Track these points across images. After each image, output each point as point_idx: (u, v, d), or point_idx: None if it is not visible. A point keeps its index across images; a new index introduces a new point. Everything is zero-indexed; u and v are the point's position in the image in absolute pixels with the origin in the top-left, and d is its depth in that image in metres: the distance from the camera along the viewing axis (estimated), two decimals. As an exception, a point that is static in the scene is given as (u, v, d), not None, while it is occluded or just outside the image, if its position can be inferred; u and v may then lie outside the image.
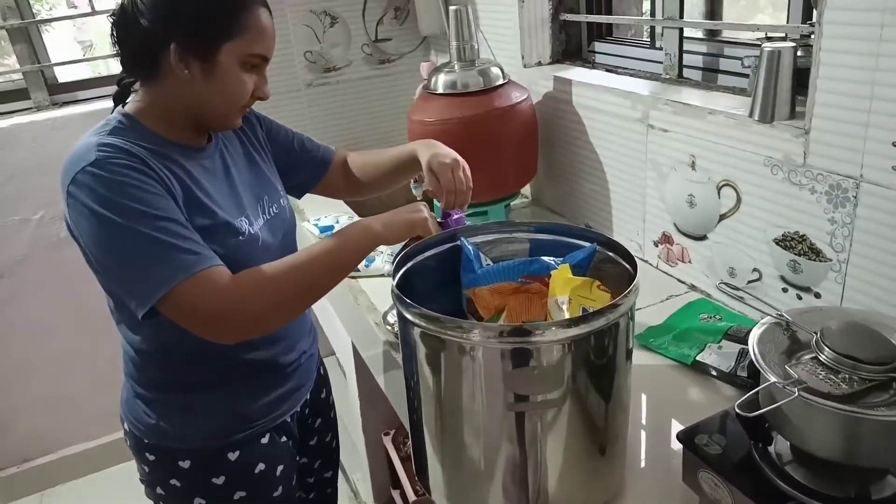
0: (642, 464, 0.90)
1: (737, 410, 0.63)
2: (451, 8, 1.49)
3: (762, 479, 0.68)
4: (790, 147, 1.02)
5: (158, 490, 1.07)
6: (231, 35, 0.91)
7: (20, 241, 1.98)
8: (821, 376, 0.63)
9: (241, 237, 0.97)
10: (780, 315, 0.74)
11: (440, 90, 1.49)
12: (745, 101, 1.16)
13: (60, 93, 2.04)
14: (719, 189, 1.18)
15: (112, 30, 0.93)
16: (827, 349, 0.65)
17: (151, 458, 1.04)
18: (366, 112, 2.22)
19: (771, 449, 0.71)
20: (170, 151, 0.94)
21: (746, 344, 1.04)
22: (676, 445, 0.82)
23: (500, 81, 1.50)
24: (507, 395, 0.73)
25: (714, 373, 1.02)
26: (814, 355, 0.67)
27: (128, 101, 0.98)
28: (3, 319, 2.04)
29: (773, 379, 0.63)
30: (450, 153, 1.13)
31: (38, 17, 2.00)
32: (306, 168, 1.23)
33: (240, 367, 1.03)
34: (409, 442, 1.65)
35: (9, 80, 2.02)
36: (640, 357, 1.08)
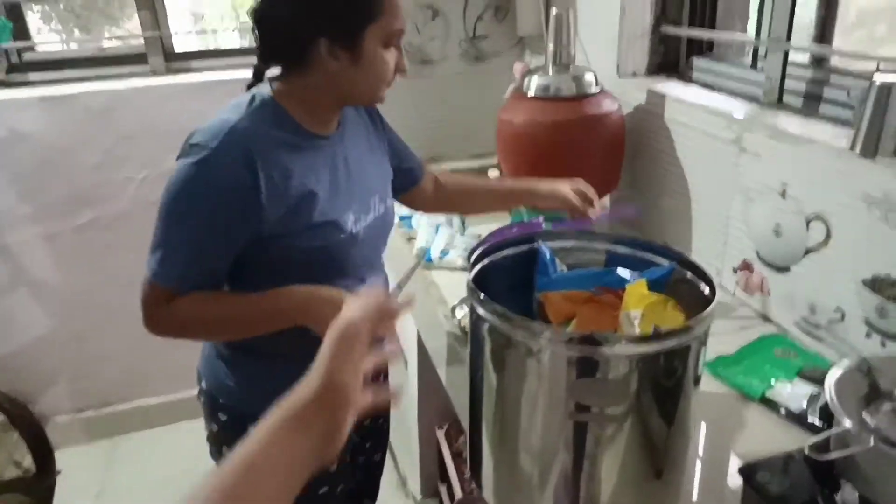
0: (696, 494, 0.89)
1: (806, 452, 0.62)
2: (553, 11, 1.49)
3: (824, 523, 0.66)
4: (892, 185, 0.98)
5: (224, 450, 1.12)
6: (373, 18, 0.94)
7: (124, 198, 2.13)
8: (900, 427, 0.61)
9: (342, 235, 1.02)
10: (862, 359, 0.72)
11: (532, 93, 1.50)
12: (846, 132, 1.11)
13: (176, 61, 2.15)
14: (808, 221, 1.14)
15: (254, 22, 0.98)
16: (910, 400, 0.63)
17: (223, 418, 1.10)
18: (456, 107, 2.24)
19: (837, 497, 0.69)
20: (297, 140, 1.00)
21: (821, 385, 1.01)
22: (735, 481, 0.81)
23: (593, 90, 1.49)
24: (569, 403, 0.74)
25: (783, 411, 0.99)
26: (894, 405, 0.65)
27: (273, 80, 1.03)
28: (104, 268, 2.19)
29: (848, 424, 0.62)
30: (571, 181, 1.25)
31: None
32: (397, 177, 1.24)
33: (316, 341, 1.08)
34: (462, 438, 1.68)
35: (129, 45, 2.15)
36: (706, 384, 1.06)
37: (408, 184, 1.27)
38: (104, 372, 2.34)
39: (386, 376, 1.36)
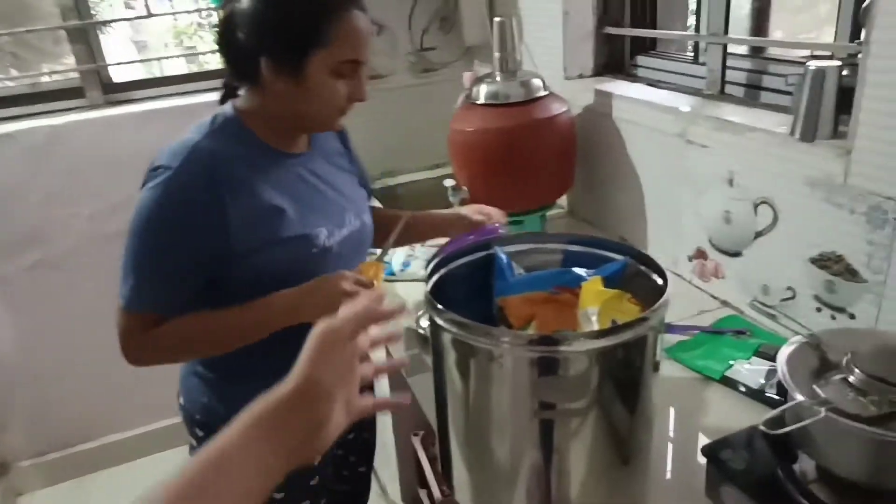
0: (666, 476, 0.91)
1: (762, 427, 0.64)
2: (496, 19, 1.51)
3: (786, 497, 0.68)
4: (831, 166, 1.02)
5: None
6: (318, 45, 0.93)
7: (72, 234, 2.06)
8: (849, 397, 0.64)
9: (314, 250, 1.03)
10: (811, 335, 0.74)
11: (482, 100, 1.52)
12: (786, 119, 1.15)
13: (115, 92, 2.11)
14: (756, 206, 1.18)
15: (216, 36, 1.00)
16: (857, 370, 0.65)
17: (200, 433, 1.10)
18: (408, 119, 2.25)
19: (796, 467, 0.71)
20: (264, 160, 1.00)
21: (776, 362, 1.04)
22: (701, 459, 0.83)
23: (541, 93, 1.51)
24: (534, 402, 0.74)
25: (742, 389, 1.01)
26: (843, 376, 0.67)
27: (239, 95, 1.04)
28: (59, 308, 2.13)
29: (799, 398, 0.64)
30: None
31: (97, 18, 2.08)
32: None
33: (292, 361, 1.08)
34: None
35: (66, 78, 2.11)
36: (668, 369, 1.08)
37: None
38: (65, 413, 2.26)
39: (371, 387, 1.36)
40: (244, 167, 0.97)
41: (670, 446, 0.96)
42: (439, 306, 0.78)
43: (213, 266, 0.98)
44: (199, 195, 0.93)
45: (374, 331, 0.67)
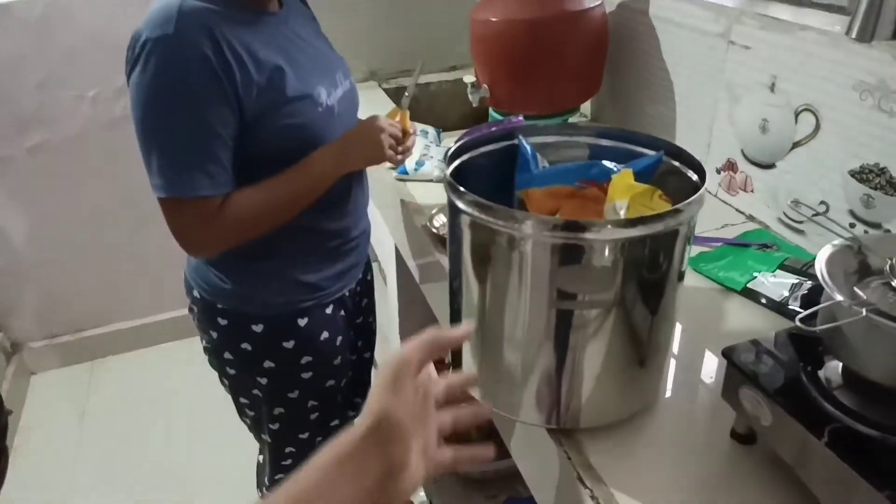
0: (680, 380, 0.89)
1: (798, 323, 0.61)
2: None
3: (808, 400, 0.66)
4: (888, 70, 0.94)
5: (226, 355, 1.11)
6: None
7: (78, 118, 2.00)
8: (892, 300, 0.60)
9: (319, 109, 0.99)
10: (853, 237, 0.70)
11: (508, -12, 1.42)
12: (840, 19, 1.06)
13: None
14: (798, 114, 1.11)
15: None
16: (902, 274, 0.61)
17: (223, 322, 1.08)
18: (427, 8, 2.11)
19: (820, 373, 0.69)
20: (248, 16, 0.94)
21: (803, 276, 1.01)
22: (716, 368, 0.81)
23: (574, -17, 1.41)
24: (553, 291, 0.71)
25: (764, 301, 0.98)
26: (885, 281, 0.63)
27: None
28: (61, 196, 2.10)
29: (839, 297, 0.60)
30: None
31: None
32: None
33: (307, 238, 1.06)
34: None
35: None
36: (688, 279, 1.04)
37: None
38: (73, 299, 2.29)
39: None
40: (235, 24, 0.91)
41: (684, 353, 0.94)
42: (461, 188, 0.74)
43: (233, 136, 0.93)
44: (207, 55, 0.86)
45: (453, 378, 0.62)
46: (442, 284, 0.90)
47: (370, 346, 1.41)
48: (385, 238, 1.69)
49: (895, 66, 0.93)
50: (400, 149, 1.07)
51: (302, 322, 1.09)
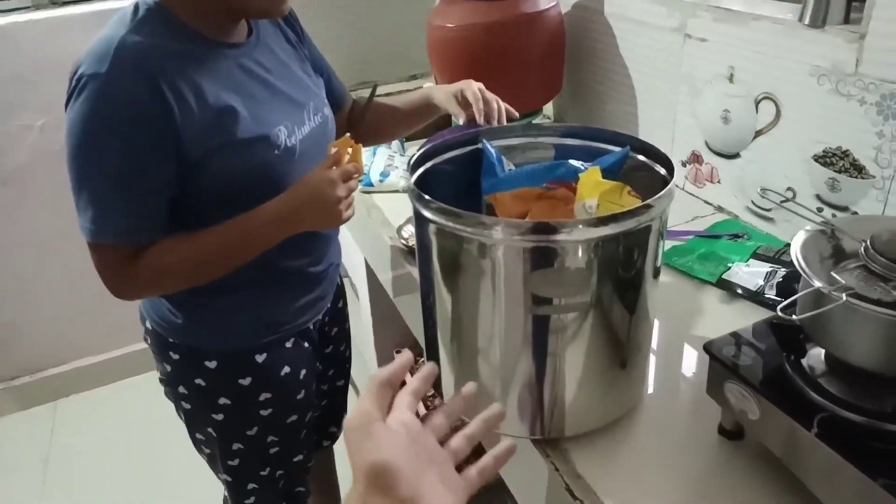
0: (662, 379, 0.87)
1: (778, 313, 0.59)
2: None
3: (794, 390, 0.65)
4: (841, 54, 0.95)
5: (181, 389, 1.06)
6: None
7: (23, 149, 1.93)
8: (869, 284, 0.59)
9: (276, 152, 0.92)
10: (825, 222, 0.69)
11: (463, -7, 1.40)
12: (793, 7, 1.07)
13: (61, -9, 1.93)
14: (758, 103, 1.11)
15: None
16: (879, 257, 0.61)
17: (175, 357, 1.03)
18: (381, 24, 2.10)
19: (803, 361, 0.68)
20: (200, 50, 0.88)
21: (776, 263, 1.00)
22: (698, 363, 0.79)
23: (528, -14, 1.40)
24: (528, 297, 0.69)
25: (740, 291, 0.97)
26: (861, 264, 0.62)
27: None
28: (9, 229, 2.01)
29: (818, 284, 0.59)
30: (460, 83, 1.11)
31: None
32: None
33: (271, 274, 1.01)
34: (421, 359, 1.66)
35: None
36: (662, 275, 1.04)
37: (333, 108, 1.14)
38: (28, 338, 2.19)
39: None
40: (181, 61, 0.85)
41: (665, 350, 0.92)
42: (425, 196, 0.72)
43: (170, 180, 0.87)
44: (139, 97, 0.81)
45: (449, 403, 0.58)
46: (416, 297, 0.87)
47: (344, 373, 1.35)
48: (354, 252, 1.65)
49: (849, 50, 0.93)
50: (351, 199, 0.95)
51: (260, 358, 1.03)
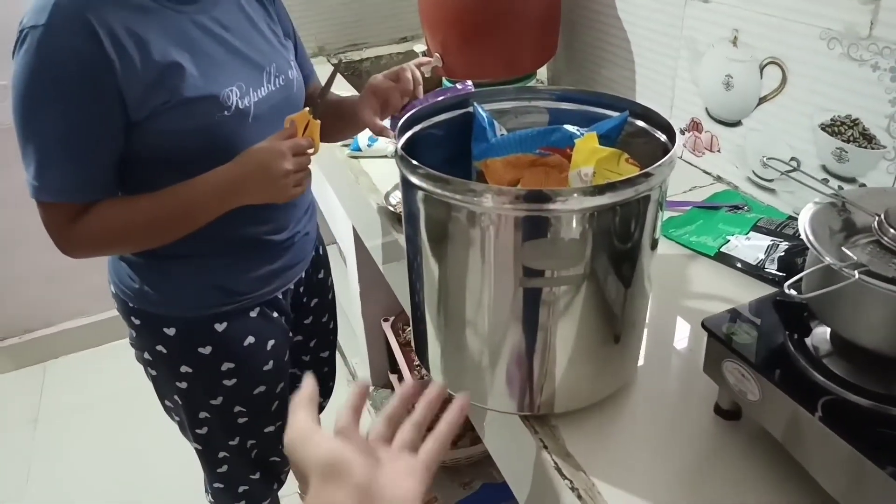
0: (657, 355, 0.84)
1: (787, 290, 0.55)
2: None
3: (797, 370, 0.61)
4: (855, 17, 0.90)
5: (146, 355, 1.05)
6: None
7: (2, 108, 1.86)
8: (883, 260, 0.55)
9: (225, 113, 0.88)
10: (836, 194, 0.65)
11: (456, -52, 1.33)
12: (804, -34, 1.01)
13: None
14: (763, 68, 1.06)
15: None
16: (893, 231, 0.57)
17: (137, 322, 1.01)
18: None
19: (807, 341, 0.64)
20: (152, 6, 0.84)
21: (777, 237, 0.97)
22: (694, 339, 0.76)
23: (524, -59, 1.33)
24: (519, 268, 0.65)
25: (739, 265, 0.94)
26: (874, 238, 0.59)
27: None
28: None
29: (829, 260, 0.55)
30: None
31: None
32: None
33: (224, 242, 0.97)
34: (409, 328, 1.63)
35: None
36: (659, 246, 1.00)
37: None
38: (17, 299, 2.17)
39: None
40: (128, 14, 0.81)
41: (662, 324, 0.89)
42: (413, 161, 0.67)
43: (115, 136, 0.84)
44: (78, 50, 0.77)
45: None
46: (403, 265, 0.83)
47: (328, 345, 1.32)
48: (342, 218, 1.61)
49: (863, 12, 0.88)
50: (301, 174, 0.89)
51: (220, 327, 1.00)
